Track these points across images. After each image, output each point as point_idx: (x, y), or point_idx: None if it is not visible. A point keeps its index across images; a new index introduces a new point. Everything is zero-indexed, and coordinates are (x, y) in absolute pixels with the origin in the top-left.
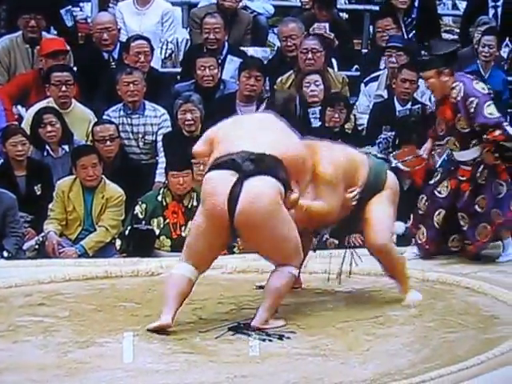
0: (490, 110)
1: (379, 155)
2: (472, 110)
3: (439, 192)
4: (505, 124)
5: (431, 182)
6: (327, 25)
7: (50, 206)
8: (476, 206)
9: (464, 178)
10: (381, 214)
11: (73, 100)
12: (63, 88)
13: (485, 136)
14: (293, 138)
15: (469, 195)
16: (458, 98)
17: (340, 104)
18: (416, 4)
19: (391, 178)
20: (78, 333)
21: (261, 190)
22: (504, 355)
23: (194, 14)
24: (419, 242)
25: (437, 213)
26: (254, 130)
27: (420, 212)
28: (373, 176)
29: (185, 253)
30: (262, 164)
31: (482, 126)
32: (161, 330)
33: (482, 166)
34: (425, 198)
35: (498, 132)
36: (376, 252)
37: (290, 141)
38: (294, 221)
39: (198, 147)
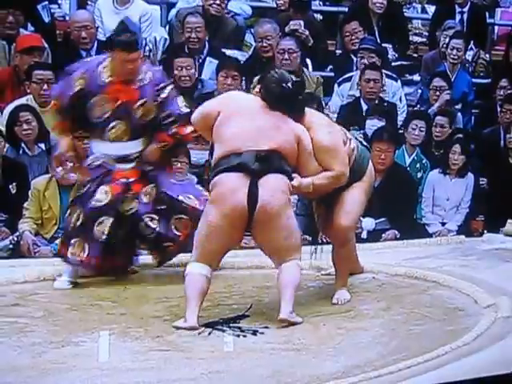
0: (184, 102)
1: (364, 142)
2: (163, 97)
3: (98, 200)
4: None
5: (77, 194)
6: (302, 22)
7: (25, 204)
8: (160, 203)
9: (132, 180)
10: (356, 199)
11: None
12: (44, 86)
13: (173, 130)
14: (288, 124)
15: (146, 195)
16: (146, 82)
17: (313, 104)
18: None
19: (371, 167)
20: (52, 333)
21: (275, 185)
22: (468, 345)
23: (180, 15)
24: (79, 259)
25: (98, 222)
26: (253, 120)
27: (71, 227)
28: (357, 161)
29: (198, 252)
30: (269, 162)
31: (172, 117)
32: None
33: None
34: (77, 212)
35: (189, 129)
36: (339, 233)
37: (286, 127)
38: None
39: (196, 118)
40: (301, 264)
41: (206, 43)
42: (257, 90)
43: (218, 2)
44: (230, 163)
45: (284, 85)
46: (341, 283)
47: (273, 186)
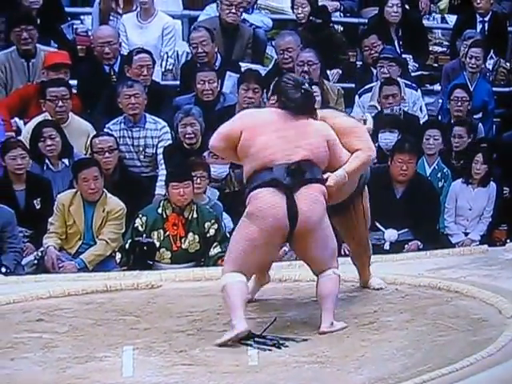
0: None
1: None
2: None
3: None
4: None
5: None
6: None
7: (50, 219)
8: None
9: None
10: (366, 208)
11: (70, 113)
12: (59, 103)
13: None
14: (312, 125)
15: None
16: None
17: None
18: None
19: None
20: (77, 348)
21: (312, 196)
22: (492, 356)
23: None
24: None
25: None
26: (278, 131)
27: None
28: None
29: (234, 263)
30: (301, 174)
31: None
32: (237, 341)
33: None
34: None
35: None
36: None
37: (311, 130)
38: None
39: (217, 142)
40: (338, 272)
41: (218, 55)
42: (272, 101)
43: (233, 10)
44: (263, 179)
45: (303, 87)
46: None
47: (310, 198)
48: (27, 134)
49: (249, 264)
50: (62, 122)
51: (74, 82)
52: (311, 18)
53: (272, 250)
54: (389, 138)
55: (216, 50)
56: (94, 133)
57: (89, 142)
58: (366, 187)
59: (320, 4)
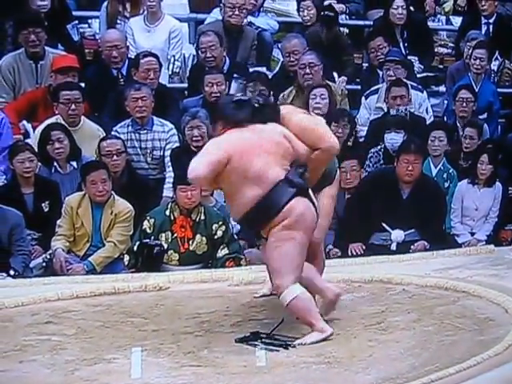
0: None
1: None
2: None
3: None
4: None
5: None
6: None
7: (58, 222)
8: None
9: None
10: (328, 211)
11: (82, 117)
12: (72, 106)
13: None
14: (276, 132)
15: None
16: None
17: (344, 120)
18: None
19: (338, 173)
20: (85, 350)
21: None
22: (499, 356)
23: (199, 30)
24: None
25: None
26: (262, 147)
27: None
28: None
29: (297, 276)
30: (305, 175)
31: None
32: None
33: None
34: None
35: None
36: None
37: (280, 137)
38: None
39: (208, 172)
40: None
41: (227, 59)
42: (220, 129)
43: (237, 12)
44: (288, 192)
45: (236, 100)
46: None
47: (312, 194)
48: (36, 137)
49: (300, 271)
50: (74, 125)
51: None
52: (322, 12)
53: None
54: (394, 139)
55: (224, 53)
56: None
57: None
58: (337, 182)
59: (327, 3)
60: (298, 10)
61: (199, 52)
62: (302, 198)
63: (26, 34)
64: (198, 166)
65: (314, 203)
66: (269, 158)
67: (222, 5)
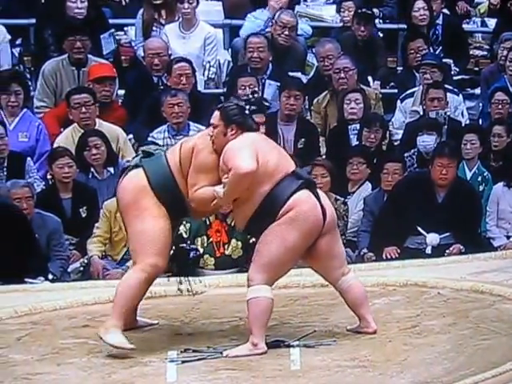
0: None
1: None
2: None
3: None
4: None
5: None
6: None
7: (96, 224)
8: None
9: None
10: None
11: (98, 120)
12: (83, 109)
13: None
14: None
15: None
16: None
17: (376, 125)
18: (440, 21)
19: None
20: (121, 353)
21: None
22: None
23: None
24: None
25: None
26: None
27: None
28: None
29: (271, 277)
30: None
31: None
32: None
33: None
34: None
35: None
36: None
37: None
38: None
39: (255, 165)
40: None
41: (270, 64)
42: (232, 133)
43: (286, 32)
44: (297, 183)
45: (247, 104)
46: None
47: (322, 193)
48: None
49: (281, 274)
50: (88, 127)
51: (121, 92)
52: (360, 10)
53: (304, 252)
54: (426, 141)
55: (270, 58)
56: (124, 136)
57: (118, 147)
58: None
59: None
60: (339, 11)
61: (246, 52)
62: (309, 194)
63: (71, 40)
64: (246, 162)
65: (320, 201)
66: (281, 156)
67: (273, 21)
